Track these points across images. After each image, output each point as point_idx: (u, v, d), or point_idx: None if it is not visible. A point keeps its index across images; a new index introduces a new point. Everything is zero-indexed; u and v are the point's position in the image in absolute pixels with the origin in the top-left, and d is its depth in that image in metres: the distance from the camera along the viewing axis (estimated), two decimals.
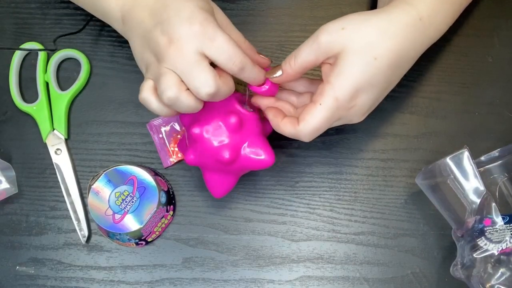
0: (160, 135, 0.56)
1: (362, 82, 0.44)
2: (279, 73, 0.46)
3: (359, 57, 0.43)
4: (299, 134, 0.45)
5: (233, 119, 0.46)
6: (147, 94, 0.44)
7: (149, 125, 0.57)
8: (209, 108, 0.47)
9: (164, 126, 0.57)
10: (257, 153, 0.47)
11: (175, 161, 0.56)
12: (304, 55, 0.45)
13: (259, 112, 0.50)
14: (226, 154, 0.46)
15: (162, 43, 0.42)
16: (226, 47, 0.42)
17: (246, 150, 0.47)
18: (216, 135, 0.46)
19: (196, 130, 0.46)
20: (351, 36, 0.43)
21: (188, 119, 0.49)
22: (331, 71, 0.44)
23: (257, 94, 0.48)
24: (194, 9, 0.42)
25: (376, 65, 0.43)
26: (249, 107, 0.48)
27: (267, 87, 0.47)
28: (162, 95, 0.43)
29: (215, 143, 0.46)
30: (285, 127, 0.46)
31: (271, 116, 0.47)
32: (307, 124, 0.45)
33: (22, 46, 0.59)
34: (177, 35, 0.42)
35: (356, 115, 0.46)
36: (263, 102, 0.49)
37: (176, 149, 0.56)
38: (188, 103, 0.43)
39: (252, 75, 0.45)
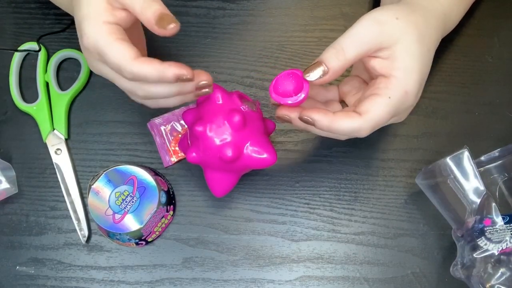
0: (161, 134, 0.56)
1: (424, 75, 0.43)
2: (320, 71, 0.42)
3: (418, 49, 0.42)
4: (362, 126, 0.42)
5: (236, 118, 0.46)
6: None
7: (150, 124, 0.57)
8: (212, 107, 0.47)
9: (165, 125, 0.57)
10: (259, 152, 0.47)
11: (176, 160, 0.56)
12: (356, 48, 0.41)
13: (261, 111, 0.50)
14: (229, 152, 0.46)
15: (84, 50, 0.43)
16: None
17: (249, 149, 0.47)
18: (219, 133, 0.46)
19: (199, 128, 0.46)
20: (407, 27, 0.42)
21: (191, 117, 0.49)
22: (392, 64, 0.42)
23: (283, 106, 0.45)
24: (81, 27, 0.41)
25: (429, 56, 0.43)
26: (252, 106, 0.48)
27: (302, 95, 0.43)
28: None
29: (218, 141, 0.46)
30: (343, 122, 0.42)
31: (318, 116, 0.42)
32: (373, 115, 0.42)
33: (21, 47, 0.59)
34: (83, 48, 0.42)
35: (409, 107, 0.44)
36: (291, 114, 0.45)
37: (177, 148, 0.56)
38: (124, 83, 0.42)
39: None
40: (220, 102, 0.47)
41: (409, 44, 0.42)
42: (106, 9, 0.41)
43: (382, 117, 0.42)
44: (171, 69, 0.39)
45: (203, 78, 0.42)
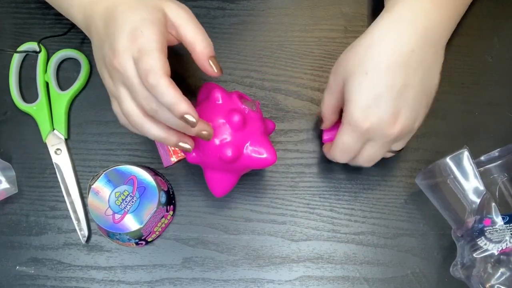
0: None
1: (364, 99, 0.44)
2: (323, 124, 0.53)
3: (353, 79, 0.45)
4: (331, 152, 0.50)
5: (236, 118, 0.46)
6: (122, 120, 0.46)
7: None
8: (212, 107, 0.47)
9: None
10: (259, 152, 0.47)
11: (176, 160, 0.56)
12: (326, 100, 0.50)
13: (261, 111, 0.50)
14: (229, 152, 0.46)
15: (107, 58, 0.43)
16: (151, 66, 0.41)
17: (249, 149, 0.47)
18: (219, 133, 0.46)
19: None
20: (346, 66, 0.46)
21: None
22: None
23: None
24: (138, 23, 0.42)
25: (369, 77, 0.44)
26: (251, 106, 0.48)
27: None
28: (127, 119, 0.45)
29: (218, 141, 0.46)
30: (325, 149, 0.53)
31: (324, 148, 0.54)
32: (334, 144, 0.49)
33: (21, 47, 0.59)
34: (117, 50, 0.42)
35: (382, 128, 0.45)
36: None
37: (177, 148, 0.56)
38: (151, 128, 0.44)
39: (166, 100, 0.41)
40: (220, 102, 0.47)
41: (346, 80, 0.46)
42: (161, 22, 0.43)
43: (341, 143, 0.48)
44: (183, 105, 0.40)
45: (205, 128, 0.44)
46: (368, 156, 0.48)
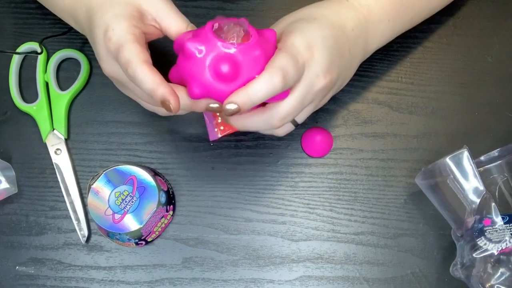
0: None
1: (310, 36, 0.44)
2: None
3: (301, 22, 0.45)
4: (273, 121, 0.45)
5: (224, 67, 0.41)
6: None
7: None
8: (192, 64, 0.42)
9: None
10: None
11: (221, 136, 0.53)
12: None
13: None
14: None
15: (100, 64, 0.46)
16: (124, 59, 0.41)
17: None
18: (214, 94, 0.42)
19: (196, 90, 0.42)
20: (291, 16, 0.48)
21: (176, 79, 0.45)
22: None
23: None
24: (109, 21, 0.43)
25: (318, 21, 0.46)
26: (238, 32, 0.42)
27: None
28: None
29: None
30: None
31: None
32: (281, 108, 0.44)
33: (20, 47, 0.59)
34: (100, 57, 0.45)
35: (319, 69, 0.44)
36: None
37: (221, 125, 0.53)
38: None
39: (142, 86, 0.41)
40: (202, 55, 0.41)
41: (294, 26, 0.45)
42: (134, 17, 0.44)
43: (261, 82, 0.41)
44: (160, 89, 0.40)
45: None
46: (288, 105, 0.44)
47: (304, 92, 0.44)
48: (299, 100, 0.44)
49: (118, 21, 0.43)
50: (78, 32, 0.53)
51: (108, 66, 0.44)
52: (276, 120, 0.45)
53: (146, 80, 0.40)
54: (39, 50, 0.58)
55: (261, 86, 0.40)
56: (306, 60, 0.43)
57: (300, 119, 0.49)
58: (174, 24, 0.45)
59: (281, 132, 0.49)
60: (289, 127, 0.49)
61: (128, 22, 0.43)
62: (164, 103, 0.40)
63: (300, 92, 0.44)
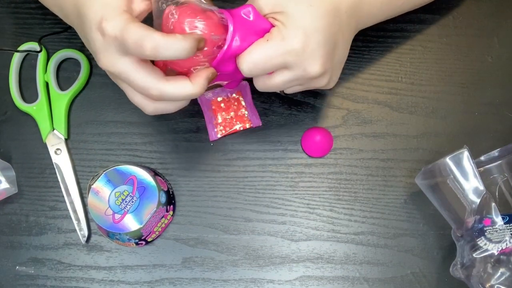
0: (210, 108, 0.57)
1: (305, 25, 0.44)
2: None
3: (297, 7, 0.44)
4: (240, 60, 0.45)
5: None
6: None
7: (200, 99, 0.57)
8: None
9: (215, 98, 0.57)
10: None
11: (220, 136, 0.56)
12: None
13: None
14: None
15: (96, 59, 0.44)
16: (130, 35, 0.40)
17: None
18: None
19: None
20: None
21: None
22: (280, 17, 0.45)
23: None
24: (99, 12, 0.41)
25: (313, 8, 0.44)
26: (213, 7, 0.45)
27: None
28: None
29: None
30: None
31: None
32: (250, 53, 0.44)
33: (21, 47, 0.59)
34: (96, 52, 0.43)
35: (310, 63, 0.45)
36: None
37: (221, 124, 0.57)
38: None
39: (171, 52, 0.40)
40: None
41: (290, 7, 0.44)
42: (124, 3, 0.42)
43: (260, 56, 0.44)
44: (189, 37, 0.40)
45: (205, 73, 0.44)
46: (275, 82, 0.46)
47: (289, 79, 0.46)
48: (282, 82, 0.46)
49: (107, 9, 0.41)
50: (64, 32, 0.53)
51: (106, 58, 0.42)
52: (260, 88, 0.48)
53: (172, 41, 0.39)
54: (38, 49, 0.58)
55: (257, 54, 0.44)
56: (295, 54, 0.44)
57: (289, 92, 0.50)
58: None
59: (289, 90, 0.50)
60: (297, 89, 0.49)
61: (117, 5, 0.41)
62: (200, 42, 0.41)
63: (284, 77, 0.46)
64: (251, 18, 0.45)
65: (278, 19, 0.45)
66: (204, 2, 0.44)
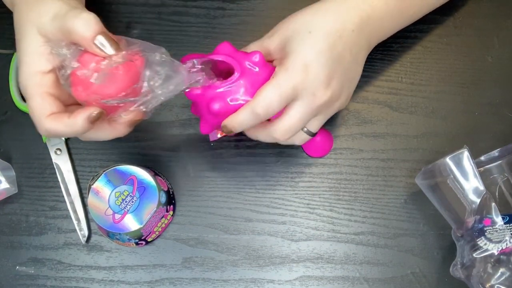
0: None
1: (305, 51, 0.45)
2: None
3: (297, 36, 0.46)
4: (253, 105, 0.45)
5: (216, 106, 0.46)
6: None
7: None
8: (199, 106, 0.47)
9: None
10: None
11: (220, 136, 0.55)
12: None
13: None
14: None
15: None
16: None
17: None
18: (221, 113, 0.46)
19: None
20: (290, 24, 0.47)
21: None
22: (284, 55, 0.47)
23: None
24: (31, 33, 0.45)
25: (312, 35, 0.45)
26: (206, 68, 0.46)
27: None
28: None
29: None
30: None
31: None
32: (261, 94, 0.45)
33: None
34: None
35: (316, 86, 0.45)
36: None
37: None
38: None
39: (63, 135, 0.44)
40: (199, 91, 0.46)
41: (290, 38, 0.46)
42: (42, 54, 0.43)
43: (270, 95, 0.44)
44: (79, 117, 0.41)
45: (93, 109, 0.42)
46: (289, 121, 0.46)
47: (302, 110, 0.46)
48: (298, 117, 0.46)
49: (23, 69, 0.43)
50: None
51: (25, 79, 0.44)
52: (278, 135, 0.47)
53: (60, 129, 0.43)
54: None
55: (244, 116, 0.45)
56: (300, 83, 0.45)
57: (313, 129, 0.49)
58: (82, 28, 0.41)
59: (298, 141, 0.50)
60: (304, 136, 0.50)
61: (29, 70, 0.43)
62: (91, 119, 0.42)
63: (298, 111, 0.46)
64: (257, 69, 0.46)
65: (282, 57, 0.46)
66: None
